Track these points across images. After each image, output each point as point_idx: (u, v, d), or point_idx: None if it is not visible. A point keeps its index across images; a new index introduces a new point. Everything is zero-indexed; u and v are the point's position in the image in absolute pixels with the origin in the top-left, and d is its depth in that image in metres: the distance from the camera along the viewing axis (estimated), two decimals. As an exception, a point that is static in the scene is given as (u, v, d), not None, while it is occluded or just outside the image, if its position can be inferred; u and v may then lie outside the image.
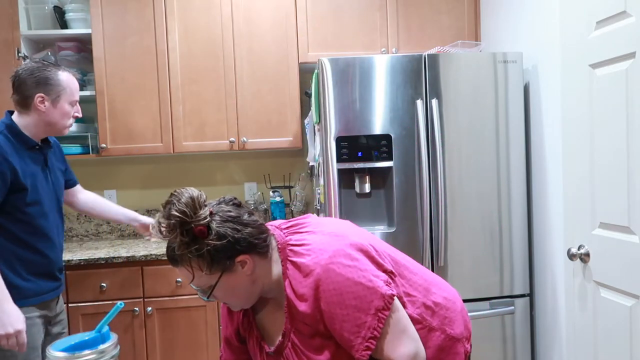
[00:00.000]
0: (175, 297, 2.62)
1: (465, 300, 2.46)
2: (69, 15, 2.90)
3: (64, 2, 2.98)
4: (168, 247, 1.14)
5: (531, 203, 2.56)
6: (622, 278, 1.79)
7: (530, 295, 2.56)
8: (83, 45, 2.98)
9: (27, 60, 1.91)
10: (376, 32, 2.94)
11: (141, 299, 2.60)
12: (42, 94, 1.85)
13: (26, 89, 1.85)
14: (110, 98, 2.84)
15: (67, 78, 1.92)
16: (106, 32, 2.83)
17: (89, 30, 2.84)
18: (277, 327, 1.24)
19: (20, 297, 1.80)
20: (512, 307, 2.50)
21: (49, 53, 2.91)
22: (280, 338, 1.21)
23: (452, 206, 2.46)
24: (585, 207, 1.96)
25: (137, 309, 2.60)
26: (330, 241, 1.16)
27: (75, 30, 2.89)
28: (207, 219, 1.11)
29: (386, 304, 1.11)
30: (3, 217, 1.81)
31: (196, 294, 2.74)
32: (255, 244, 1.16)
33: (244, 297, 1.19)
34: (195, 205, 1.11)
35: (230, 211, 1.17)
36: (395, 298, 1.15)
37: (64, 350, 1.04)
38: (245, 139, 2.90)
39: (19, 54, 2.77)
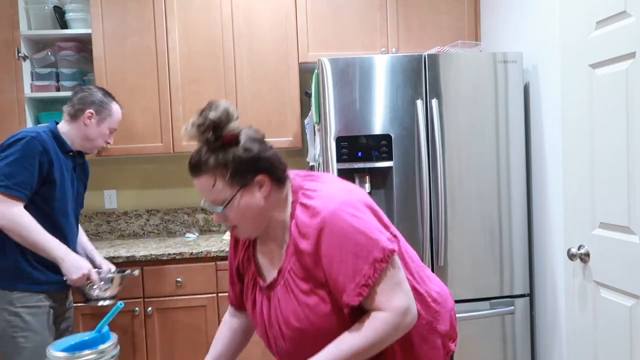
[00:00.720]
0: (175, 297, 2.62)
1: (465, 300, 2.48)
2: (69, 15, 2.90)
3: (64, 2, 2.98)
4: (194, 156, 1.18)
5: (531, 203, 2.56)
6: (622, 278, 1.79)
7: (530, 295, 2.56)
8: (83, 45, 2.98)
9: (93, 87, 2.22)
10: (376, 32, 2.94)
11: (141, 299, 2.60)
12: (92, 111, 2.11)
13: (84, 103, 2.11)
14: (110, 98, 2.84)
15: (116, 109, 2.20)
16: (106, 32, 2.83)
17: (89, 30, 2.84)
18: (274, 266, 1.27)
19: (30, 283, 1.97)
20: (512, 307, 2.50)
21: (49, 53, 2.91)
22: (275, 275, 1.24)
23: (452, 206, 2.46)
24: (585, 207, 1.96)
25: (137, 309, 2.60)
26: (342, 193, 1.20)
27: (75, 30, 2.89)
28: (238, 130, 1.18)
29: (385, 257, 1.13)
30: (29, 206, 1.95)
31: (196, 294, 2.73)
32: (276, 166, 1.22)
33: (253, 222, 1.22)
34: (229, 116, 1.17)
35: (257, 133, 1.23)
36: (395, 255, 1.17)
37: (64, 350, 1.04)
38: (245, 139, 2.89)
39: (19, 54, 2.77)
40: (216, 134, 1.15)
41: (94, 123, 2.11)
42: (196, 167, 1.18)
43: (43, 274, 2.00)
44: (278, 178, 1.22)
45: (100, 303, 2.11)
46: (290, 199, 1.24)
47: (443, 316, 1.31)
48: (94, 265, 2.18)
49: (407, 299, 1.16)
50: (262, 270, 1.31)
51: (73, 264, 1.97)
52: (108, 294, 2.14)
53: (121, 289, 2.21)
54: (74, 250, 2.10)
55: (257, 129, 1.26)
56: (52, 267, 1.99)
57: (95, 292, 2.10)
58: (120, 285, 2.20)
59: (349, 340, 1.13)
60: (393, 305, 1.14)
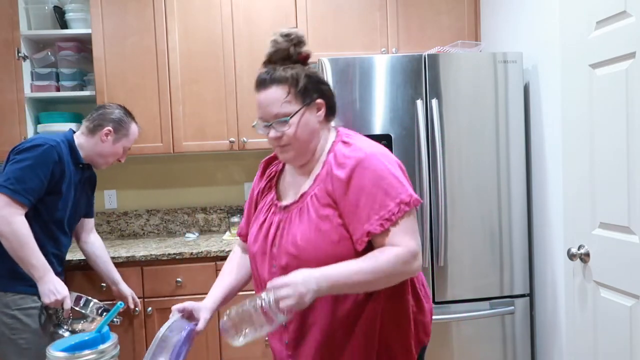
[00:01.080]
0: (175, 297, 2.62)
1: (465, 301, 2.48)
2: (69, 15, 2.90)
3: (64, 2, 2.98)
4: (264, 72, 1.30)
5: (531, 203, 2.56)
6: (622, 278, 1.79)
7: (530, 295, 2.56)
8: (83, 45, 2.98)
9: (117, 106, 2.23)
10: (376, 32, 2.94)
11: (141, 299, 2.60)
12: (111, 129, 2.13)
13: (103, 119, 2.13)
14: (110, 98, 2.83)
15: (134, 129, 2.23)
16: (106, 32, 2.83)
17: (89, 30, 2.84)
18: (295, 191, 1.36)
19: (25, 285, 1.95)
20: (512, 307, 2.50)
21: (49, 53, 2.91)
22: (296, 197, 1.33)
23: (452, 206, 2.46)
24: (585, 207, 1.96)
25: (137, 309, 2.60)
26: (382, 147, 1.31)
27: (75, 30, 2.89)
28: (310, 54, 1.33)
29: (411, 202, 1.23)
30: (31, 212, 1.95)
31: (196, 294, 2.73)
32: (332, 97, 1.35)
33: (305, 143, 1.31)
34: (305, 39, 1.31)
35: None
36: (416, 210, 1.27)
37: (64, 350, 1.04)
38: (245, 139, 2.90)
39: (19, 54, 2.77)
40: (295, 49, 1.29)
41: (110, 140, 2.14)
42: (269, 79, 1.28)
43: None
44: (331, 107, 1.35)
45: (61, 332, 1.96)
46: (331, 138, 1.36)
47: (426, 318, 1.40)
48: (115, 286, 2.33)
49: (418, 245, 1.24)
50: (281, 197, 1.40)
51: (49, 287, 1.92)
52: (79, 327, 1.99)
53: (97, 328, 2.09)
54: (63, 259, 2.16)
55: None
56: None
57: (66, 322, 2.00)
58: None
59: (359, 262, 1.20)
60: (407, 243, 1.22)
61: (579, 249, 1.98)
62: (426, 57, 2.44)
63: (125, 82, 2.84)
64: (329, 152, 1.32)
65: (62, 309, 1.97)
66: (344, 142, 1.31)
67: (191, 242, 2.88)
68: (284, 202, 1.36)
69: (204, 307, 1.45)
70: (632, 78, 1.70)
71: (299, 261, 1.24)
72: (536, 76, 2.48)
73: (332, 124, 1.40)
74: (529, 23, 2.52)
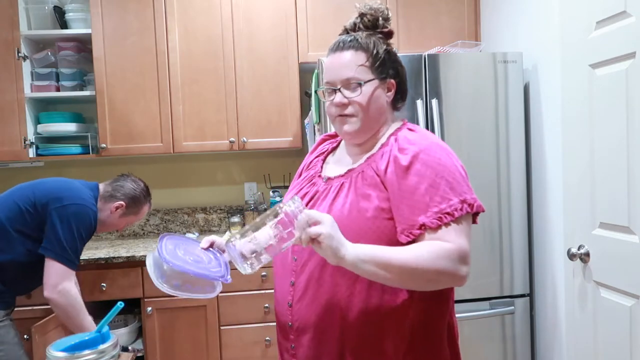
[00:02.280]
0: (176, 297, 2.61)
1: (465, 300, 2.48)
2: (69, 15, 2.90)
3: (64, 2, 2.98)
4: (346, 35, 1.26)
5: (531, 203, 2.56)
6: (622, 278, 1.79)
7: (530, 295, 2.56)
8: (83, 45, 2.98)
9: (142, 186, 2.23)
10: (376, 32, 2.94)
11: (141, 299, 2.60)
12: (124, 204, 2.13)
13: (122, 192, 2.13)
14: (110, 98, 2.84)
15: (144, 211, 2.24)
16: (106, 32, 2.83)
17: (89, 30, 2.84)
18: (341, 168, 1.27)
19: None
20: (512, 307, 2.50)
21: (49, 53, 2.91)
22: (341, 173, 1.24)
23: (452, 206, 2.45)
24: (585, 207, 1.96)
25: (137, 309, 2.60)
26: (447, 146, 1.21)
27: (75, 30, 2.89)
28: (393, 32, 1.28)
29: (473, 205, 1.12)
30: (32, 248, 1.95)
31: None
32: (405, 84, 1.29)
33: (371, 117, 1.22)
34: (390, 19, 1.28)
35: None
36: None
37: (64, 350, 1.03)
38: (245, 139, 2.90)
39: (19, 54, 2.77)
40: (383, 21, 1.25)
41: (117, 214, 2.13)
42: (353, 40, 1.22)
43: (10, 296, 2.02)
44: (402, 94, 1.29)
45: None
46: (395, 125, 1.28)
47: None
48: None
49: (469, 249, 1.12)
50: (325, 172, 1.31)
51: None
52: None
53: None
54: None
55: None
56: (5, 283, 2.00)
57: None
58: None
59: (402, 248, 1.07)
60: (460, 243, 1.09)
61: (579, 249, 1.98)
62: (426, 57, 2.44)
63: (125, 82, 2.84)
64: (391, 135, 1.23)
65: None
66: (410, 130, 1.23)
67: (191, 242, 2.88)
68: (327, 175, 1.28)
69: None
70: (632, 78, 1.70)
71: None
72: (536, 76, 2.48)
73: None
74: (529, 23, 2.52)
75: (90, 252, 2.67)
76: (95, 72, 2.83)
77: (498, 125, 2.48)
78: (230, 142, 2.89)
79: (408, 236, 1.10)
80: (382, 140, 1.24)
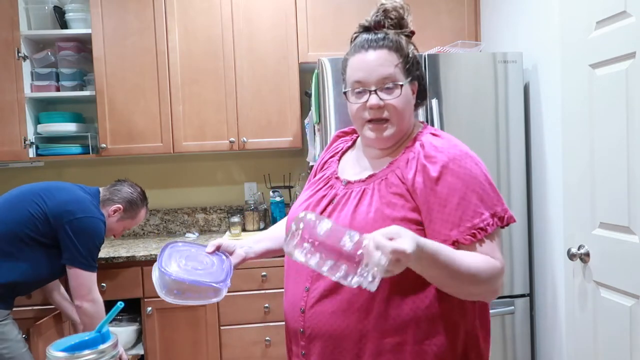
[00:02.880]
0: (175, 297, 2.61)
1: (465, 300, 2.47)
2: (69, 15, 2.90)
3: (64, 2, 2.98)
4: (376, 34, 1.18)
5: (531, 203, 2.56)
6: (622, 278, 1.79)
7: (530, 295, 2.56)
8: (83, 45, 2.98)
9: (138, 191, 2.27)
10: (376, 32, 2.94)
11: (141, 299, 2.60)
12: (121, 207, 2.17)
13: (117, 196, 2.17)
14: (110, 98, 2.84)
15: (142, 215, 2.28)
16: (106, 32, 2.83)
17: (89, 30, 2.84)
18: (359, 171, 1.22)
19: None
20: (512, 307, 2.50)
21: (49, 53, 2.91)
22: (362, 178, 1.18)
23: (452, 206, 2.45)
24: (585, 207, 1.96)
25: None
26: (471, 150, 1.16)
27: (75, 30, 2.89)
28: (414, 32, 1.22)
29: (506, 217, 1.11)
30: (46, 251, 2.00)
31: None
32: (424, 85, 1.24)
33: (403, 119, 1.17)
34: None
35: None
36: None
37: (63, 350, 1.03)
38: (245, 139, 2.90)
39: (19, 54, 2.77)
40: (407, 20, 1.20)
41: (115, 218, 2.17)
42: (382, 39, 1.16)
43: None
44: (422, 98, 1.25)
45: None
46: (417, 128, 1.22)
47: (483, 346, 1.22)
48: None
49: (503, 264, 1.11)
50: (342, 174, 1.26)
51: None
52: None
53: None
54: None
55: None
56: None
57: None
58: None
59: (459, 252, 1.04)
60: (499, 257, 1.09)
61: (579, 249, 1.98)
62: (426, 57, 2.44)
63: (125, 82, 2.84)
64: (414, 139, 1.17)
65: None
66: (433, 134, 1.17)
67: (191, 242, 2.88)
68: (346, 178, 1.22)
69: (237, 254, 1.31)
70: (632, 78, 1.70)
71: None
72: (536, 76, 2.48)
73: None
74: (529, 23, 2.52)
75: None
76: (95, 72, 2.83)
77: (498, 125, 2.48)
78: (230, 142, 2.89)
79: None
80: (406, 143, 1.19)
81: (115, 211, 2.16)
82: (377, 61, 1.13)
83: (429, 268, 0.99)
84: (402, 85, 1.14)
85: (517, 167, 2.49)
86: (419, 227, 1.09)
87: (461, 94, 2.45)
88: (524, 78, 2.51)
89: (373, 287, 0.88)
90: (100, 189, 2.18)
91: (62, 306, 2.29)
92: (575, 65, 1.98)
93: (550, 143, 2.38)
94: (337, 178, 1.24)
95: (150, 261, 2.58)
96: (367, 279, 0.87)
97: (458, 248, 1.06)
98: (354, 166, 1.25)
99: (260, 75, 2.90)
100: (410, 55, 1.17)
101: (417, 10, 2.97)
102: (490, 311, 2.51)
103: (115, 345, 1.08)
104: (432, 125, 2.41)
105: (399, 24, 1.19)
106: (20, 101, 2.79)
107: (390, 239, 0.88)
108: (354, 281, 0.88)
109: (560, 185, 2.24)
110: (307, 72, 3.03)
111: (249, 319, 2.64)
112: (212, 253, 1.28)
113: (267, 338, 2.64)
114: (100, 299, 2.04)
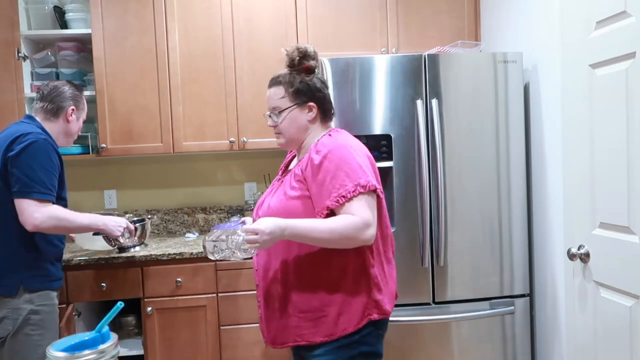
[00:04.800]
0: (175, 297, 2.62)
1: (465, 301, 2.48)
2: (69, 15, 2.90)
3: (64, 2, 2.98)
4: (276, 74, 1.68)
5: (531, 203, 2.56)
6: (622, 278, 1.79)
7: (530, 295, 2.56)
8: (83, 45, 2.98)
9: (56, 81, 2.23)
10: (376, 32, 2.94)
11: (141, 299, 2.60)
12: (74, 107, 2.16)
13: (63, 99, 2.13)
14: (110, 98, 2.84)
15: (85, 100, 2.26)
16: (106, 32, 2.83)
17: (89, 30, 2.84)
18: (291, 167, 1.73)
19: (48, 280, 2.04)
20: (512, 307, 2.50)
21: (49, 53, 2.91)
22: (286, 173, 1.71)
23: (452, 206, 2.46)
24: (585, 207, 1.96)
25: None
26: (357, 142, 1.65)
27: (75, 30, 2.89)
28: (315, 66, 1.66)
29: (367, 186, 1.50)
30: None
31: (196, 294, 2.73)
32: (325, 103, 1.67)
33: (292, 134, 1.66)
34: (313, 55, 1.65)
35: (324, 82, 1.69)
36: (377, 194, 1.55)
37: (63, 350, 1.03)
38: (245, 139, 2.90)
39: (19, 54, 2.77)
40: (300, 60, 1.63)
41: (74, 118, 2.17)
42: (276, 79, 1.67)
43: (57, 268, 2.09)
44: (325, 112, 1.67)
45: (136, 249, 2.61)
46: (322, 133, 1.65)
47: (385, 292, 1.60)
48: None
49: (373, 219, 1.50)
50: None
51: (110, 225, 2.25)
52: (137, 241, 2.61)
53: (146, 237, 2.68)
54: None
55: (322, 79, 1.70)
56: (60, 260, 2.13)
57: (129, 241, 2.55)
58: (144, 232, 2.64)
59: (320, 221, 1.50)
60: (361, 214, 1.48)
61: (579, 249, 1.98)
62: (426, 57, 2.44)
63: (125, 82, 2.84)
64: (317, 142, 1.60)
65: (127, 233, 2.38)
66: (329, 135, 1.62)
67: (191, 242, 2.88)
68: (280, 177, 1.73)
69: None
70: (632, 78, 1.70)
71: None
72: (536, 76, 2.48)
73: (332, 125, 1.71)
74: (529, 23, 2.52)
75: (90, 251, 2.67)
76: (95, 72, 2.83)
77: (498, 125, 2.48)
78: (230, 142, 2.89)
79: (321, 216, 1.51)
80: (309, 147, 1.62)
81: (71, 113, 2.14)
82: (270, 95, 1.68)
83: (298, 237, 1.49)
84: (285, 110, 1.64)
85: (517, 167, 2.49)
86: (310, 200, 1.56)
87: (461, 94, 2.45)
88: (524, 78, 2.51)
89: (248, 254, 1.49)
90: (35, 111, 2.12)
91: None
92: (575, 66, 1.98)
93: (550, 143, 2.38)
94: (278, 179, 1.75)
95: (150, 261, 2.59)
96: (241, 253, 1.47)
97: (333, 212, 1.50)
98: (292, 166, 1.76)
99: (260, 75, 2.90)
100: (296, 85, 1.63)
101: (417, 10, 2.97)
102: (491, 311, 2.53)
103: (115, 345, 1.08)
104: (432, 125, 2.42)
105: (292, 64, 1.65)
106: (20, 101, 2.79)
107: (255, 230, 1.43)
108: (234, 257, 1.50)
109: (560, 185, 2.24)
110: (307, 72, 3.03)
111: (249, 319, 2.64)
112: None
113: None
114: (47, 213, 1.95)
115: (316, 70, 1.67)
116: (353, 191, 1.47)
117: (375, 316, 1.57)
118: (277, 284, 1.61)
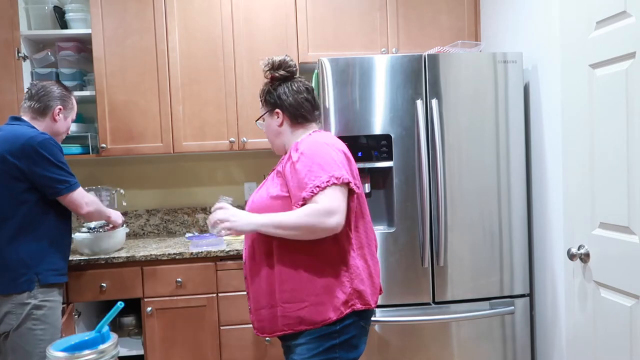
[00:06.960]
0: (175, 297, 2.62)
1: (465, 301, 2.48)
2: (69, 15, 2.90)
3: (64, 2, 2.98)
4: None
5: (531, 203, 2.56)
6: (622, 278, 1.79)
7: (530, 295, 2.56)
8: (83, 45, 2.98)
9: (44, 82, 2.30)
10: (376, 32, 2.94)
11: (141, 299, 2.60)
12: (61, 106, 2.20)
13: (50, 99, 2.17)
14: (110, 98, 2.84)
15: (74, 100, 2.31)
16: (106, 32, 2.83)
17: (89, 30, 2.84)
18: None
19: (58, 275, 2.12)
20: (512, 307, 2.50)
21: (49, 53, 2.91)
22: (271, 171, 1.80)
23: (452, 206, 2.46)
24: (585, 207, 1.96)
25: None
26: (334, 139, 1.73)
27: (75, 30, 2.89)
28: (278, 75, 1.76)
29: (340, 178, 1.55)
30: (55, 206, 2.12)
31: (196, 294, 2.73)
32: (293, 110, 1.74)
33: (271, 139, 1.82)
34: (281, 64, 1.75)
35: (300, 87, 1.76)
36: (348, 189, 1.59)
37: (64, 350, 1.04)
38: (245, 139, 2.90)
39: (19, 54, 2.77)
40: (267, 72, 1.76)
41: (62, 118, 2.21)
42: (261, 90, 1.81)
43: (65, 263, 2.18)
44: (294, 117, 1.74)
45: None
46: (304, 134, 1.73)
47: (365, 284, 1.66)
48: None
49: (338, 208, 1.54)
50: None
51: (115, 217, 2.46)
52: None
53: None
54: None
55: (306, 84, 1.79)
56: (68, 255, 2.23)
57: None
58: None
59: (287, 214, 1.57)
60: (325, 203, 1.53)
61: (579, 249, 1.98)
62: (426, 57, 2.44)
63: (125, 82, 2.84)
64: (298, 142, 1.69)
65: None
66: (309, 135, 1.71)
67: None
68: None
69: None
70: (632, 78, 1.70)
71: (252, 211, 1.69)
72: (536, 76, 2.48)
73: (316, 126, 1.78)
74: (529, 23, 2.52)
75: (90, 252, 2.66)
76: (95, 72, 2.83)
77: (498, 125, 2.48)
78: (230, 142, 2.89)
79: (297, 207, 1.57)
80: (290, 148, 1.72)
81: (59, 112, 2.19)
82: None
83: (267, 230, 1.58)
84: (261, 117, 1.82)
85: (517, 167, 2.49)
86: (289, 200, 1.63)
87: (461, 94, 2.45)
88: (524, 78, 2.51)
89: (217, 233, 1.68)
90: (23, 111, 2.18)
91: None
92: (575, 66, 1.98)
93: (550, 143, 2.38)
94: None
95: (150, 261, 2.59)
96: (212, 230, 1.71)
97: (307, 202, 1.55)
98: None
99: (260, 75, 2.85)
100: (264, 95, 1.78)
101: (417, 10, 2.97)
102: (491, 311, 2.53)
103: (115, 345, 1.08)
104: (432, 125, 2.42)
105: (265, 76, 1.78)
106: (20, 101, 2.78)
107: (227, 219, 1.62)
108: (215, 231, 1.69)
109: (560, 185, 2.24)
110: (307, 72, 3.03)
111: (248, 319, 2.63)
112: None
113: (267, 338, 2.64)
114: (85, 199, 2.16)
115: (296, 77, 1.78)
116: (327, 181, 1.53)
117: (358, 306, 1.63)
118: (262, 276, 1.68)
